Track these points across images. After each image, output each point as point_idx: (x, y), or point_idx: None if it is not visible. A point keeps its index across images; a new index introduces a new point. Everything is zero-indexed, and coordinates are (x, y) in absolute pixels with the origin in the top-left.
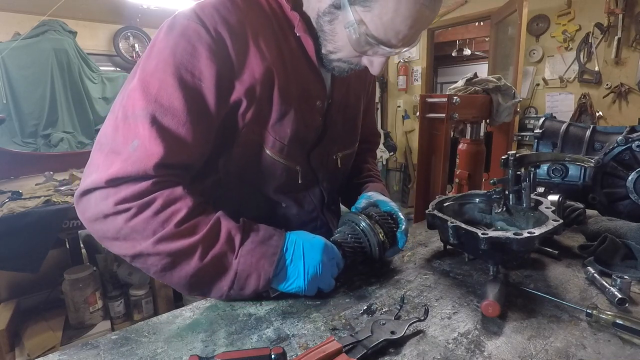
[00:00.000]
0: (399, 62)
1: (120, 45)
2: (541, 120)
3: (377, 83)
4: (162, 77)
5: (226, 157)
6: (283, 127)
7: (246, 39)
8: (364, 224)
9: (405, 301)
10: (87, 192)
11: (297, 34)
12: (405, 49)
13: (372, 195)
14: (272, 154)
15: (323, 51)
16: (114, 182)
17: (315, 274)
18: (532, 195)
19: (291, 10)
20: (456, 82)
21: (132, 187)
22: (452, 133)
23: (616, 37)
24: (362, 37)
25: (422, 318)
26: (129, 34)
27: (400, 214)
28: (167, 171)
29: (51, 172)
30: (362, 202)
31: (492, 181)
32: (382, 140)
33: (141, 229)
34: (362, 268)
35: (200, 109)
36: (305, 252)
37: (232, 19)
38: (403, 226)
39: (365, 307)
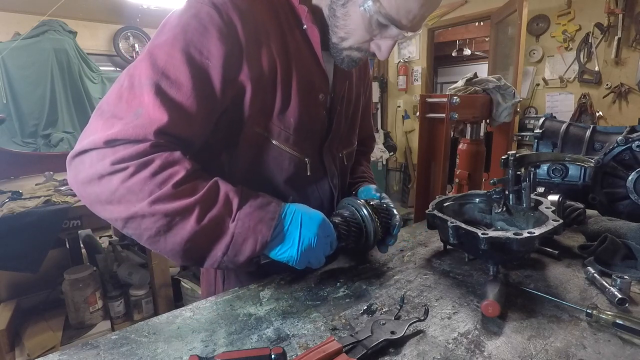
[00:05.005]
0: (399, 62)
1: (120, 45)
2: (541, 120)
3: (377, 83)
4: (171, 51)
5: (231, 152)
6: (287, 117)
7: (255, 27)
8: (365, 210)
9: (405, 301)
10: (82, 152)
11: (304, 27)
12: (410, 34)
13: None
14: (278, 143)
15: (334, 40)
16: (112, 143)
17: (309, 245)
18: (532, 195)
19: (300, 4)
20: (456, 82)
21: (131, 148)
22: (452, 133)
23: (616, 37)
24: (375, 17)
25: (422, 318)
26: (129, 34)
27: (394, 210)
28: (167, 139)
29: (51, 172)
30: (363, 193)
31: (492, 181)
32: (382, 140)
33: (137, 189)
34: (362, 267)
35: (205, 87)
36: (302, 223)
37: (243, 6)
38: (397, 217)
39: (365, 307)
